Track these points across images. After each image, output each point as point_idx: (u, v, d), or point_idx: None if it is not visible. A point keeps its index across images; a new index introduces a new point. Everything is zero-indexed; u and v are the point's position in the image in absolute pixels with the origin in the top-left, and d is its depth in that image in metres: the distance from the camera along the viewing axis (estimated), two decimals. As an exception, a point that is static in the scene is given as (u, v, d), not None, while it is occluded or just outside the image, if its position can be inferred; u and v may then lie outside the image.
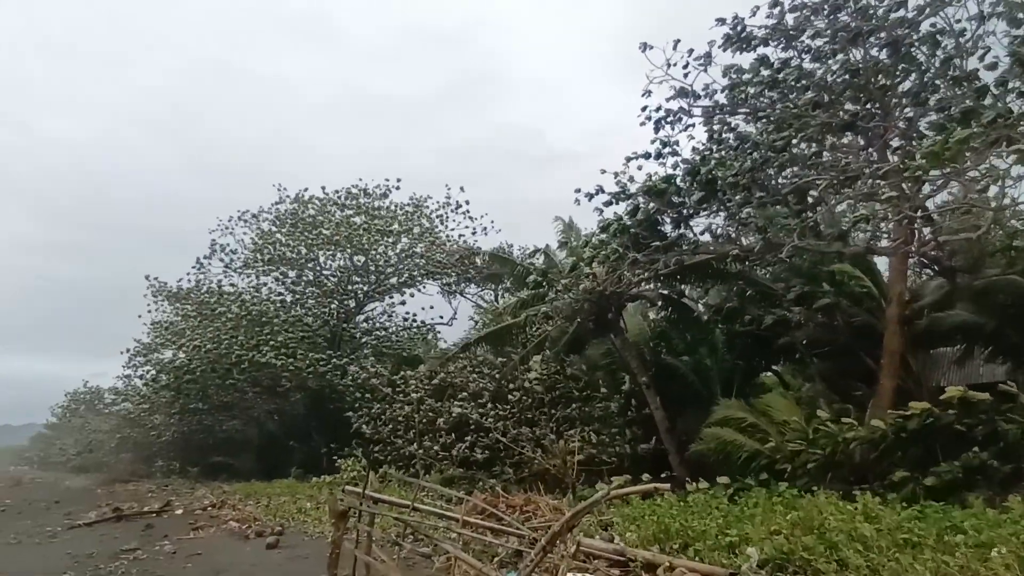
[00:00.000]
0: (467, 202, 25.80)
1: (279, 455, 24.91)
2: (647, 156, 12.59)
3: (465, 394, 16.44)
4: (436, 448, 15.85)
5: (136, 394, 29.26)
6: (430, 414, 16.61)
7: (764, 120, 12.00)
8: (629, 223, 12.74)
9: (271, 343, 22.58)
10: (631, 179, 12.80)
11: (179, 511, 15.56)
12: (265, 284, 26.60)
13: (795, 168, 11.70)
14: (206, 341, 22.97)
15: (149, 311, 27.66)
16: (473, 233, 25.80)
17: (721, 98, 12.36)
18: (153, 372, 27.11)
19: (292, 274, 26.39)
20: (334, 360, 22.95)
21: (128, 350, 28.58)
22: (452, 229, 26.15)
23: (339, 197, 26.26)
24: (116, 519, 14.81)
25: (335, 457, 19.67)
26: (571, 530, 5.24)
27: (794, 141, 11.15)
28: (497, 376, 16.64)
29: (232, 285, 26.52)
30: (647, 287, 15.68)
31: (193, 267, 26.85)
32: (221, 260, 26.96)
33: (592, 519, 8.58)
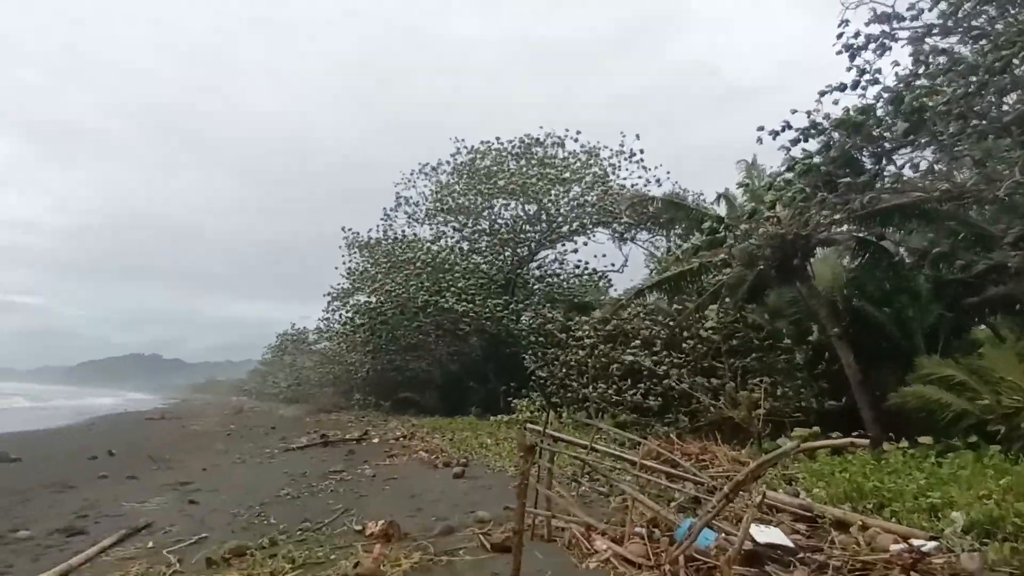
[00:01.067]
0: (641, 151, 25.23)
1: (460, 394, 26.58)
2: (842, 88, 11.35)
3: (638, 341, 16.34)
4: (610, 392, 16.01)
5: (335, 334, 32.49)
6: (603, 360, 16.74)
7: (982, 41, 10.34)
8: (819, 161, 11.69)
9: (452, 289, 23.94)
10: (826, 116, 11.67)
11: (375, 440, 17.20)
12: (444, 233, 28.13)
13: (1018, 93, 10.04)
14: (395, 286, 24.85)
15: (344, 260, 30.42)
16: (646, 184, 25.25)
17: (931, 17, 10.79)
18: (349, 315, 29.87)
19: (469, 223, 27.55)
20: (510, 306, 23.81)
21: (328, 295, 31.72)
22: (625, 177, 25.76)
23: (513, 148, 26.76)
24: (323, 444, 16.70)
25: (511, 398, 20.62)
26: (756, 480, 5.08)
27: (1015, 61, 9.52)
28: (671, 324, 16.32)
29: (415, 235, 28.35)
30: (838, 230, 14.40)
31: (381, 219, 29.02)
32: (405, 212, 28.89)
33: (775, 473, 8.24)
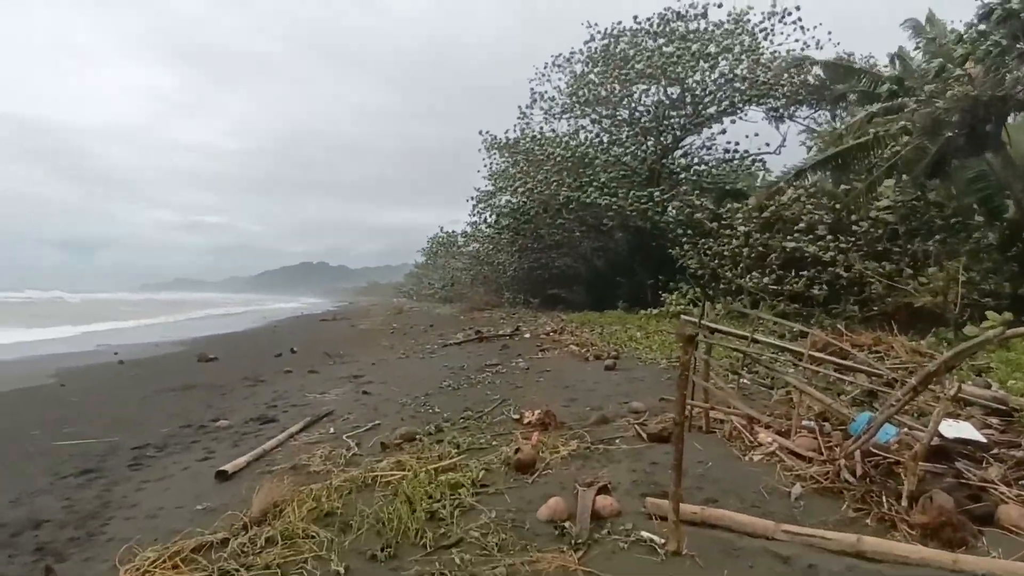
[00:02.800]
0: (797, 8, 22.41)
1: (606, 289, 26.49)
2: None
3: (799, 227, 15.17)
4: (767, 282, 15.17)
5: (482, 236, 33.28)
6: (759, 248, 15.79)
7: None
8: (1021, 6, 9.75)
9: (594, 183, 23.38)
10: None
11: (527, 335, 17.67)
12: (583, 127, 27.22)
13: None
14: (537, 184, 24.70)
15: (484, 163, 30.59)
16: (804, 48, 22.56)
17: None
18: (494, 216, 30.32)
19: (607, 114, 26.42)
20: (655, 197, 22.92)
21: (472, 198, 32.28)
22: (779, 43, 23.20)
23: (651, 26, 24.88)
24: (478, 340, 17.42)
25: (659, 292, 20.21)
26: (950, 371, 4.54)
27: None
28: (837, 207, 14.93)
29: (552, 131, 27.68)
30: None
31: (518, 117, 28.54)
32: (541, 108, 28.12)
33: (964, 363, 7.42)
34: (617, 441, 5.76)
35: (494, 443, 6.00)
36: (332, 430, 7.23)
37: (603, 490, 4.20)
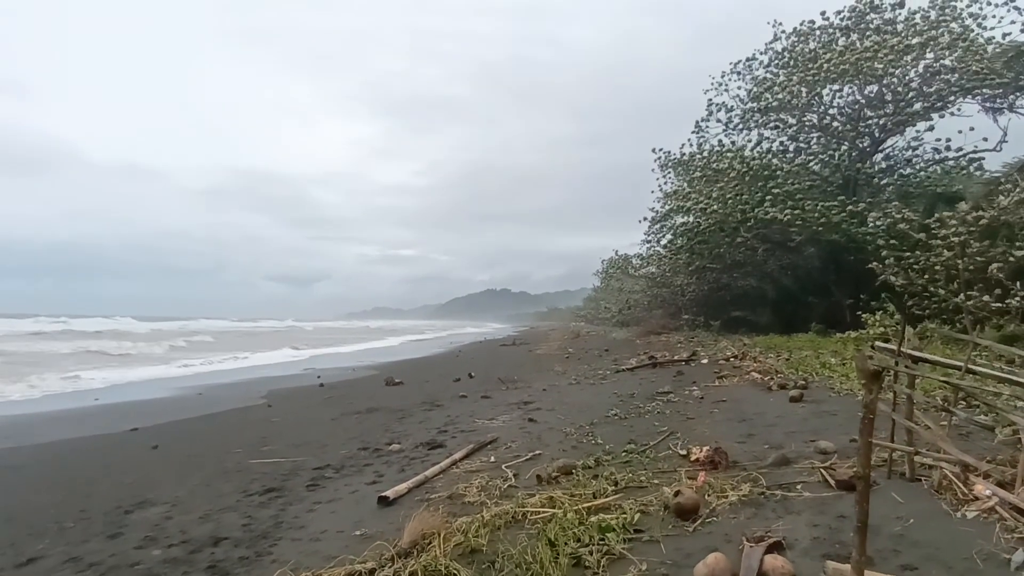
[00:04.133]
0: (1014, -14, 19.40)
1: (796, 310, 24.41)
2: None
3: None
4: (988, 299, 12.99)
5: (657, 258, 32.35)
6: (978, 259, 13.60)
7: None
8: None
9: (772, 196, 21.73)
10: None
11: (704, 361, 16.70)
12: (764, 137, 25.60)
13: None
14: (711, 202, 23.53)
15: (658, 183, 29.83)
16: (1022, 30, 19.43)
17: None
18: (669, 237, 29.37)
19: (792, 120, 24.59)
20: (848, 207, 20.79)
21: (646, 219, 31.58)
22: (992, 28, 20.22)
23: (842, 20, 22.88)
24: (651, 366, 16.76)
25: (859, 312, 18.18)
26: None
27: None
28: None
29: (731, 143, 26.35)
30: None
31: (693, 132, 27.56)
32: (718, 120, 26.92)
33: None
34: (798, 487, 5.06)
35: (655, 481, 5.56)
36: (493, 458, 7.18)
37: (775, 547, 3.63)
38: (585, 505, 4.83)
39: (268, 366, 26.36)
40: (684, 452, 6.58)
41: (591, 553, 3.91)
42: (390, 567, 3.95)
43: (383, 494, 5.75)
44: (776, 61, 24.63)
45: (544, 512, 4.76)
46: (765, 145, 25.29)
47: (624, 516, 4.54)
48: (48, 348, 30.96)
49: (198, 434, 10.43)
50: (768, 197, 21.92)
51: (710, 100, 26.88)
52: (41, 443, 9.78)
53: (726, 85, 26.52)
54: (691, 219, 26.43)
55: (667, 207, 29.74)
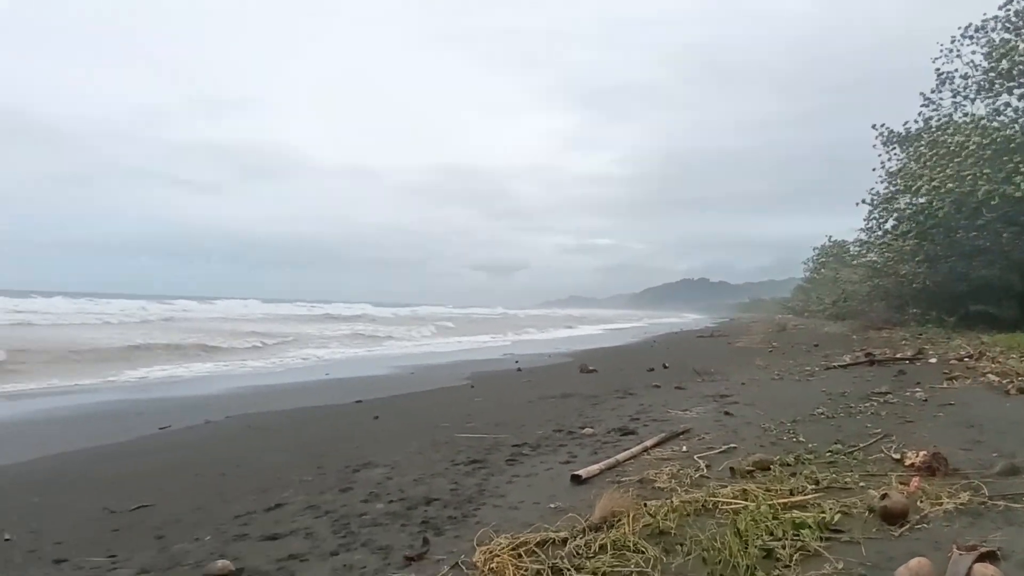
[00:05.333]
0: None
1: (1053, 305, 20.86)
2: None
3: None
4: None
5: (880, 245, 29.30)
6: None
7: None
8: None
9: (1022, 173, 18.68)
10: None
11: (932, 360, 14.95)
12: (1008, 104, 22.10)
13: None
14: (945, 180, 20.83)
15: (881, 160, 27.03)
16: None
17: None
18: (893, 221, 26.52)
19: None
20: None
21: (865, 202, 28.77)
22: None
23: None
24: (868, 363, 15.36)
25: None
26: None
27: None
28: None
29: (965, 114, 23.12)
30: None
31: (921, 105, 24.62)
32: (950, 90, 23.76)
33: None
34: (1028, 499, 4.50)
35: (861, 484, 5.23)
36: (685, 448, 7.17)
37: (988, 557, 3.32)
38: (781, 501, 4.71)
39: (470, 350, 28.22)
40: (898, 456, 6.08)
41: (783, 547, 3.84)
42: (581, 538, 4.21)
43: (576, 472, 6.05)
44: (1016, 21, 21.10)
45: (736, 503, 4.72)
46: (1009, 113, 21.83)
47: (823, 515, 4.36)
48: (314, 330, 35.90)
49: (411, 409, 11.57)
50: (1017, 175, 18.90)
51: (938, 70, 23.80)
52: (283, 409, 11.48)
53: (958, 51, 23.29)
54: (921, 200, 23.61)
55: (892, 188, 26.85)
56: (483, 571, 3.90)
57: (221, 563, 4.20)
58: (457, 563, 4.10)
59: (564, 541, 4.22)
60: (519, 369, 18.51)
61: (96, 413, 11.44)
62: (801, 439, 7.33)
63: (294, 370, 19.69)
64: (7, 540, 4.90)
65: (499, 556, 4.02)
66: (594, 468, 6.24)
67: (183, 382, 16.41)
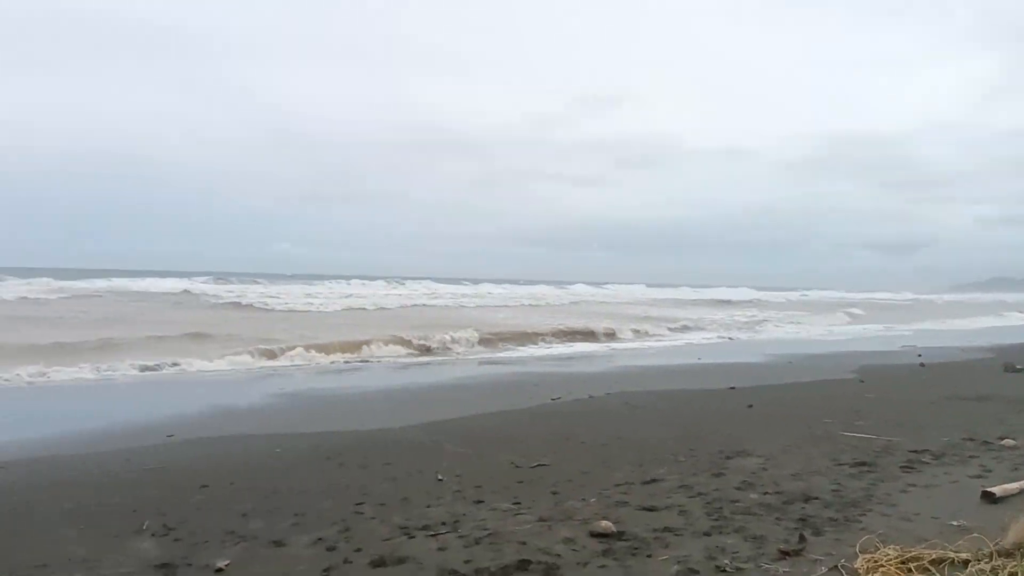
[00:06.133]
0: None
1: None
2: None
3: None
4: None
5: None
6: None
7: None
8: None
9: None
10: None
11: None
12: None
13: None
14: None
15: None
16: None
17: None
18: None
19: None
20: None
21: None
22: None
23: None
24: None
25: None
26: None
27: None
28: None
29: None
30: None
31: None
32: None
33: None
34: None
35: None
36: None
37: None
38: None
39: (857, 339, 25.60)
40: None
41: None
42: (987, 563, 3.64)
43: (989, 489, 5.18)
44: None
45: None
46: None
47: None
48: (697, 314, 37.06)
49: (788, 400, 11.05)
50: None
51: None
52: (658, 390, 12.00)
53: None
54: None
55: None
56: (865, 579, 3.67)
57: (604, 523, 4.73)
58: (837, 566, 3.91)
59: (965, 563, 3.71)
60: (922, 365, 16.12)
61: (506, 383, 13.57)
62: None
63: (667, 352, 20.41)
64: (440, 480, 6.23)
65: (885, 567, 3.73)
66: (1012, 487, 5.28)
67: (569, 359, 18.39)
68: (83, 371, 13.78)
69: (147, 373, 14.30)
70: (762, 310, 42.53)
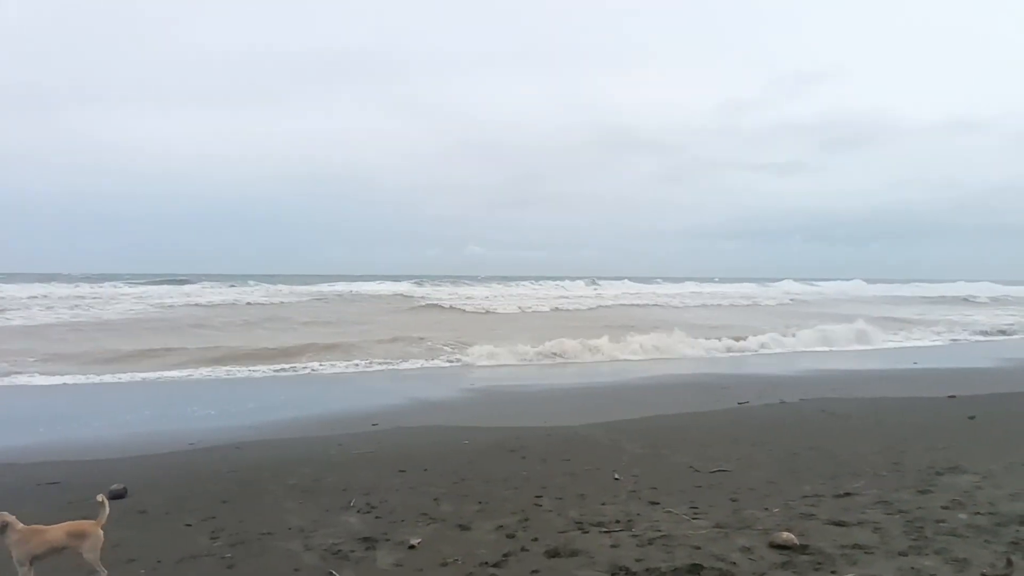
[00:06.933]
0: None
1: None
2: None
3: None
4: None
5: None
6: None
7: None
8: None
9: None
10: None
11: None
12: None
13: None
14: None
15: None
16: None
17: None
18: None
19: None
20: None
21: None
22: None
23: None
24: None
25: None
26: None
27: None
28: None
29: None
30: None
31: None
32: None
33: None
34: None
35: None
36: None
37: None
38: None
39: None
40: None
41: None
42: None
43: None
44: None
45: None
46: None
47: None
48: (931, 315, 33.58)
49: (1020, 411, 9.61)
50: None
51: None
52: (862, 397, 11.00)
53: None
54: None
55: None
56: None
57: (786, 535, 4.52)
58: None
59: None
60: None
61: (690, 383, 13.25)
62: None
63: (879, 355, 18.58)
64: (616, 479, 6.29)
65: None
66: None
67: (757, 358, 17.41)
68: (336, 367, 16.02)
69: (384, 367, 16.16)
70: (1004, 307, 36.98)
